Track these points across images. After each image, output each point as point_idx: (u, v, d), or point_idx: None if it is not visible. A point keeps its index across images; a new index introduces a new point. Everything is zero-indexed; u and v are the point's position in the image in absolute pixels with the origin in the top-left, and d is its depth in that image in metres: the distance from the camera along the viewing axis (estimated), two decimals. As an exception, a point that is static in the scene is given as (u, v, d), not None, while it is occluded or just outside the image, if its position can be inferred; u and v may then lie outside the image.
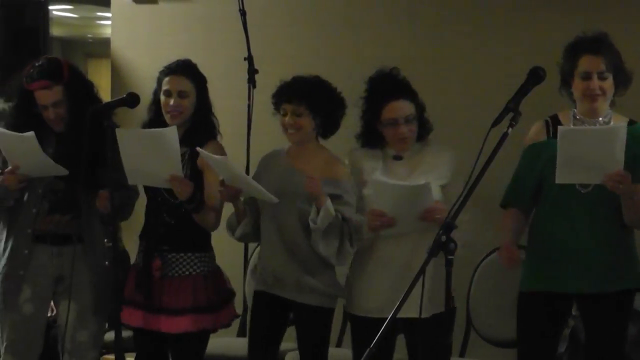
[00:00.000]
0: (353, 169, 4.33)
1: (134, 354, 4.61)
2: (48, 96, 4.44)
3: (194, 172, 4.39)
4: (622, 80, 4.15)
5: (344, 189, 4.27)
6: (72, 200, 4.49)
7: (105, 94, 8.24)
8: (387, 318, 3.25)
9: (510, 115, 3.44)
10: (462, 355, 5.16)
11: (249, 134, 5.65)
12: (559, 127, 3.99)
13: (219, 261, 4.56)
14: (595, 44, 4.10)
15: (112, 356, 4.54)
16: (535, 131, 4.25)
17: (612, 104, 4.18)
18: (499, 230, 4.30)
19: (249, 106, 5.66)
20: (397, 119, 4.19)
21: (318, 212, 4.16)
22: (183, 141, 4.35)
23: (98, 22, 12.79)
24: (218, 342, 5.02)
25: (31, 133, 4.30)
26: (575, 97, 4.16)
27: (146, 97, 4.47)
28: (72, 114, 4.47)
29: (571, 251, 4.10)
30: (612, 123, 4.12)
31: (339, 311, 4.57)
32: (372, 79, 4.30)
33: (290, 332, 4.46)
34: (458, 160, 4.24)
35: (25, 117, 4.47)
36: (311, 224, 4.19)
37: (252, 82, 5.69)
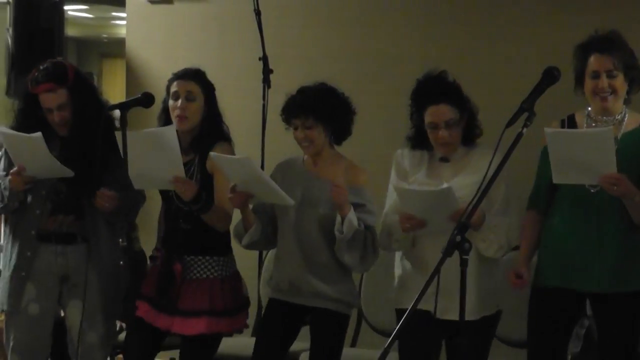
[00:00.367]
0: (398, 169, 4.31)
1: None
2: (53, 99, 4.44)
3: (204, 176, 4.38)
4: (636, 77, 4.13)
5: (366, 197, 4.27)
6: (74, 202, 4.49)
7: (120, 94, 8.29)
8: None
9: (525, 115, 3.46)
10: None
11: (263, 134, 5.65)
12: (546, 130, 3.98)
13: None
14: (603, 43, 4.09)
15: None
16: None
17: (628, 102, 4.17)
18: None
19: (263, 106, 5.66)
20: (438, 123, 4.16)
21: (342, 220, 4.16)
22: (192, 147, 4.35)
23: (113, 22, 12.84)
24: (232, 341, 5.00)
25: (39, 134, 4.30)
26: (587, 97, 4.15)
27: (161, 97, 4.48)
28: (76, 116, 4.47)
29: (583, 250, 4.09)
30: (626, 121, 4.12)
31: (354, 311, 4.56)
32: (418, 82, 4.27)
33: (305, 332, 4.46)
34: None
35: (30, 120, 4.47)
36: (337, 234, 4.17)
37: (267, 82, 5.69)
